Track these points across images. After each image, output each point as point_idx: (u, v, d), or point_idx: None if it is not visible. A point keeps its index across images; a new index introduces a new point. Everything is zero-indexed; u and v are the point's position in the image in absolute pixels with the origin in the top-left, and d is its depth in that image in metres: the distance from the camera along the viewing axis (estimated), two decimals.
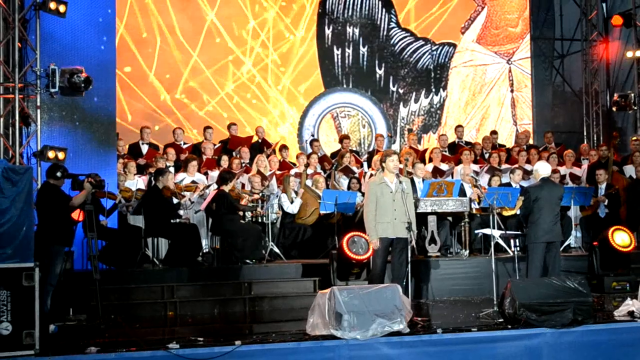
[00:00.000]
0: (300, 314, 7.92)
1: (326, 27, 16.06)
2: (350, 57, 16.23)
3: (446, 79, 16.83)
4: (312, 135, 14.53)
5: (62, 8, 9.94)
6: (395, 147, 15.34)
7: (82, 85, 9.98)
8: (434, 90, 16.72)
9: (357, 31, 16.28)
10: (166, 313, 8.92)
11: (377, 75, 16.38)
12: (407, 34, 16.61)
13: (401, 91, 16.50)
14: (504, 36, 17.22)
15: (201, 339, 6.80)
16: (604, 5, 16.77)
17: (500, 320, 7.47)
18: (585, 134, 16.34)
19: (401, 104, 16.45)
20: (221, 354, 6.34)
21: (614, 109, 15.53)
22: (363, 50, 16.30)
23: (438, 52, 16.77)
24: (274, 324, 8.28)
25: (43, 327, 6.61)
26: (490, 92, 17.08)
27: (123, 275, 9.46)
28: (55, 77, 9.79)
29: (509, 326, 7.16)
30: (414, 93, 16.58)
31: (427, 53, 16.68)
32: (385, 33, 16.48)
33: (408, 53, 16.60)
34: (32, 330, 6.29)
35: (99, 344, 6.53)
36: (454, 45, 16.92)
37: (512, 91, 17.15)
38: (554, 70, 17.07)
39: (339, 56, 16.13)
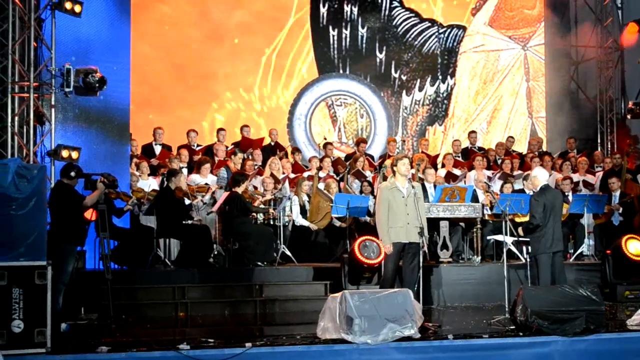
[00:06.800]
0: (311, 317, 7.89)
1: (321, 5, 14.79)
2: (348, 39, 14.84)
3: (454, 66, 15.54)
4: (325, 139, 14.30)
5: (77, 8, 10.01)
6: (397, 138, 14.15)
7: (97, 85, 10.05)
8: (440, 77, 15.44)
9: (355, 10, 14.91)
10: (177, 314, 8.94)
11: (378, 60, 15.06)
12: (411, 14, 15.25)
13: (404, 78, 15.17)
14: (520, 19, 15.92)
15: (211, 340, 6.81)
16: (619, 12, 16.67)
17: (511, 327, 7.44)
18: (599, 141, 16.17)
19: (404, 92, 15.16)
20: (231, 355, 6.36)
21: (628, 116, 15.42)
22: (362, 31, 14.94)
23: (446, 35, 15.43)
24: (285, 326, 8.26)
25: (55, 326, 6.65)
26: (504, 80, 15.81)
27: (134, 275, 9.52)
28: (70, 77, 9.85)
29: (521, 333, 7.14)
30: (419, 80, 15.28)
31: (434, 36, 15.33)
32: (387, 12, 15.11)
33: (412, 35, 15.25)
34: (44, 328, 6.35)
35: (110, 344, 6.57)
36: (464, 28, 15.58)
37: (527, 80, 15.90)
38: (568, 76, 16.92)
39: (335, 38, 14.81)
